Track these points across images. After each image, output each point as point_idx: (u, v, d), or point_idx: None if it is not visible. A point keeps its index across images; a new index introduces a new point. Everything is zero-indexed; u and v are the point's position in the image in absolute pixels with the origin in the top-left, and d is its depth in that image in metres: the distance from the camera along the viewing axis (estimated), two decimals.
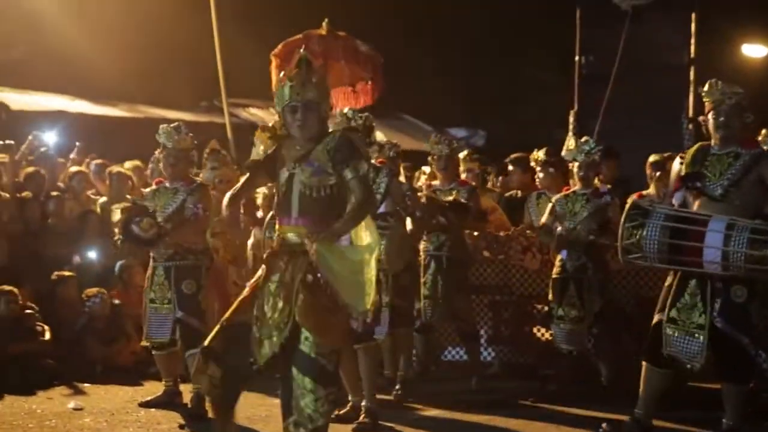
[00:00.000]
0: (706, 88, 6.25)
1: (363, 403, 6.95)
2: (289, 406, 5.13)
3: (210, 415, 5.77)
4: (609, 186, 8.16)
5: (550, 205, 7.95)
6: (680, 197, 6.26)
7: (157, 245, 7.22)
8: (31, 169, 9.93)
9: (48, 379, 8.17)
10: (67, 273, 9.06)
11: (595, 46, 12.69)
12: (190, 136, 7.49)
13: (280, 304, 5.09)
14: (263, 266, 5.28)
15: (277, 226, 5.37)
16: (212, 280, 7.61)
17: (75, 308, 8.93)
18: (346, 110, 7.35)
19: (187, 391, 7.32)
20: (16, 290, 8.48)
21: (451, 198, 8.15)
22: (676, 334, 6.08)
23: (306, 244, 5.04)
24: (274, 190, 5.66)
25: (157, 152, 7.87)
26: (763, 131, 8.10)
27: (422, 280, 8.19)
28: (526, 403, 7.76)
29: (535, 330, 8.99)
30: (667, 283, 6.28)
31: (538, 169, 8.74)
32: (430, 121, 19.25)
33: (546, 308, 8.28)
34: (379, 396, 7.14)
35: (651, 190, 8.51)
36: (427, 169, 9.64)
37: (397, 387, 7.88)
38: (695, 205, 6.15)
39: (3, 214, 9.33)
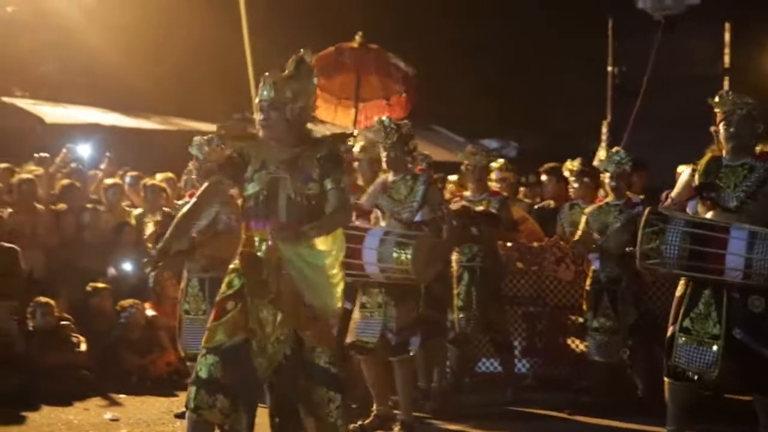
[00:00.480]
0: (717, 99, 6.22)
1: (399, 417, 6.95)
2: (279, 413, 5.12)
3: None
4: (641, 197, 8.13)
5: (583, 216, 7.93)
6: (694, 207, 6.25)
7: (190, 257, 7.26)
8: (66, 181, 10.01)
9: (84, 390, 8.20)
10: (101, 285, 9.10)
11: (627, 57, 12.67)
12: (222, 147, 7.52)
13: (279, 316, 5.04)
14: (236, 274, 5.17)
15: (247, 231, 5.21)
16: None
17: (110, 320, 8.98)
18: (383, 118, 7.35)
19: None
20: (52, 302, 8.53)
21: (482, 208, 8.15)
22: (687, 344, 6.02)
23: (270, 241, 5.00)
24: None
25: (190, 164, 7.91)
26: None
27: (455, 291, 8.17)
28: (561, 415, 7.73)
29: (569, 341, 8.94)
30: (678, 293, 6.21)
31: (573, 179, 8.72)
32: (462, 133, 19.27)
33: (580, 319, 8.25)
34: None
35: None
36: (452, 178, 9.66)
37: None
38: (708, 216, 6.12)
39: (39, 226, 9.40)
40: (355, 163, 7.89)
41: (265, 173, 5.15)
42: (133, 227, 9.69)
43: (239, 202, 5.41)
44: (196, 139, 7.52)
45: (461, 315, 8.14)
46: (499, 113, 19.78)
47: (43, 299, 8.50)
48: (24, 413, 7.53)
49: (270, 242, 5.01)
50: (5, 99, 16.46)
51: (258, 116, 5.23)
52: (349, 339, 7.01)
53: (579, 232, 7.93)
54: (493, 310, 8.23)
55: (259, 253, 5.12)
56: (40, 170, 10.13)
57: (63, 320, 8.60)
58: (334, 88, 10.22)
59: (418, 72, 10.11)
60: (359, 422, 7.01)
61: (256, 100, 5.26)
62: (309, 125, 5.30)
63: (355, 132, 9.27)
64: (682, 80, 12.28)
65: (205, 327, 7.24)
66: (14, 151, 11.95)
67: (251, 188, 5.18)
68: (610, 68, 12.71)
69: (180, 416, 7.45)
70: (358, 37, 9.86)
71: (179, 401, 8.04)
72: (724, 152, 6.18)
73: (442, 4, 19.16)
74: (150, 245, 7.57)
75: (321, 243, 5.15)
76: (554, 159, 9.95)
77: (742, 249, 5.82)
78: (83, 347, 8.53)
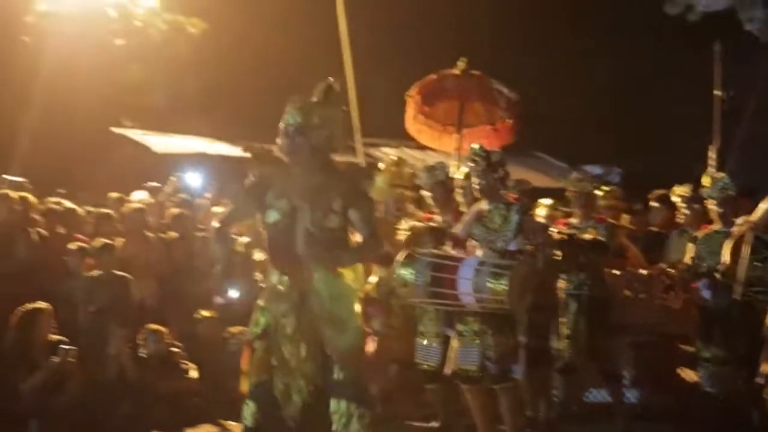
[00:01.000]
0: None
1: None
2: None
3: None
4: None
5: (690, 245, 7.80)
6: None
7: None
8: (176, 210, 10.21)
9: (195, 417, 8.31)
10: (208, 313, 9.24)
11: (735, 80, 12.42)
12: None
13: (303, 350, 5.00)
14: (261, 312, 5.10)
15: (271, 265, 5.16)
16: None
17: (218, 347, 9.09)
18: (473, 146, 7.35)
19: None
20: (163, 329, 8.69)
21: (589, 236, 8.07)
22: None
23: (304, 269, 4.91)
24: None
25: None
26: None
27: (562, 320, 8.10)
28: None
29: (679, 371, 8.78)
30: None
31: (683, 205, 8.59)
32: (564, 158, 19.11)
33: (690, 349, 8.10)
34: None
35: None
36: (546, 202, 9.59)
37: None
38: None
39: (150, 255, 9.59)
40: (459, 191, 7.90)
41: (285, 202, 5.08)
42: (241, 255, 9.81)
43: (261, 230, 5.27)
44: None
45: (568, 344, 8.07)
46: (602, 138, 19.56)
47: (154, 327, 8.66)
48: None
49: (309, 274, 4.91)
50: (115, 129, 16.87)
51: (281, 141, 5.13)
52: (450, 368, 7.00)
53: (687, 260, 7.79)
54: (601, 339, 8.13)
55: (280, 287, 5.07)
56: (150, 200, 10.35)
57: (173, 347, 8.75)
58: (437, 114, 10.28)
59: (520, 97, 10.10)
60: None
61: (281, 125, 5.16)
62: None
63: (456, 159, 9.29)
64: None
65: None
66: (125, 180, 12.23)
67: (271, 216, 5.11)
68: (717, 92, 12.47)
69: None
70: (461, 63, 9.87)
71: None
72: None
73: (542, 29, 19.09)
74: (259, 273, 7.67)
75: (347, 275, 5.11)
76: (659, 185, 9.81)
77: None
78: (194, 374, 8.66)
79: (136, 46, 17.44)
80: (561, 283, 8.13)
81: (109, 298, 8.76)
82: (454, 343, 7.06)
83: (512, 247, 7.02)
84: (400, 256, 7.06)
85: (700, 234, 7.80)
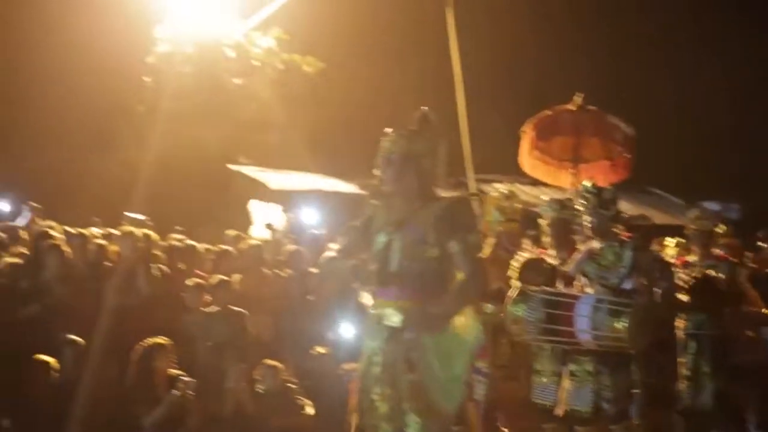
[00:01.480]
0: None
1: None
2: None
3: None
4: None
5: None
6: None
7: None
8: (292, 247, 10.33)
9: None
10: (323, 349, 9.29)
11: None
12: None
13: (388, 392, 4.81)
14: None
15: (372, 299, 5.00)
16: None
17: (333, 383, 9.13)
18: (584, 183, 7.27)
19: None
20: (279, 365, 8.77)
21: (709, 274, 7.91)
22: None
23: (405, 329, 4.70)
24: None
25: None
26: None
27: (681, 360, 7.94)
28: None
29: None
30: None
31: None
32: (679, 194, 18.80)
33: None
34: None
35: None
36: (670, 240, 9.42)
37: None
38: None
39: (266, 290, 9.71)
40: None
41: (383, 235, 4.94)
42: (355, 291, 9.87)
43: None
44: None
45: (688, 385, 7.90)
46: (718, 174, 19.21)
47: (271, 362, 8.73)
48: None
49: (410, 335, 4.72)
50: (232, 166, 17.20)
51: (381, 171, 5.00)
52: (561, 408, 6.91)
53: None
54: (722, 380, 7.94)
55: (374, 324, 4.94)
56: (267, 236, 10.49)
57: (290, 383, 8.82)
58: (552, 150, 10.23)
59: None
60: None
61: (381, 154, 5.03)
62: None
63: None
64: None
65: None
66: (241, 217, 12.45)
67: (374, 251, 4.97)
68: None
69: None
70: (577, 99, 9.82)
71: None
72: None
73: (656, 63, 18.87)
74: None
75: (461, 324, 4.87)
76: None
77: None
78: (309, 410, 8.70)
79: (252, 84, 17.78)
80: (680, 323, 7.97)
81: (227, 334, 8.87)
82: (566, 384, 6.97)
83: (627, 285, 6.92)
84: (512, 293, 7.01)
85: None
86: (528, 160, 10.52)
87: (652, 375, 7.30)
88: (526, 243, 8.66)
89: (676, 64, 19.13)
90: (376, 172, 5.04)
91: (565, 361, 7.12)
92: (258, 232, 11.11)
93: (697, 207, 9.26)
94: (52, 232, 9.29)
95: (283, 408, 8.58)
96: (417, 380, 4.75)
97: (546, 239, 7.86)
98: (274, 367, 8.68)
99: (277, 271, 10.00)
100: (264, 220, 11.57)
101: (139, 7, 17.33)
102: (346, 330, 9.66)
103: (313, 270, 10.02)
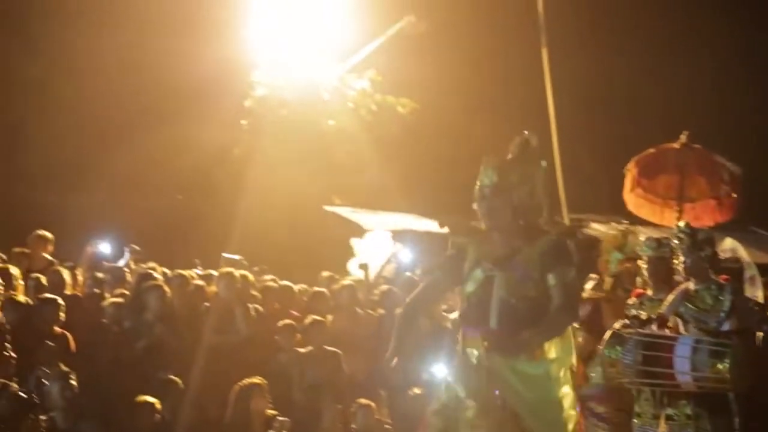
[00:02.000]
0: None
1: None
2: None
3: None
4: None
5: None
6: None
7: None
8: (385, 287, 10.37)
9: None
10: (417, 390, 9.28)
11: None
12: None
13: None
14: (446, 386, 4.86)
15: (463, 338, 4.81)
16: None
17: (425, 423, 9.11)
18: (679, 223, 7.18)
19: None
20: (372, 404, 8.79)
21: None
22: None
23: (481, 354, 4.53)
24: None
25: None
26: None
27: None
28: None
29: None
30: None
31: None
32: None
33: None
34: None
35: None
36: None
37: None
38: None
39: (360, 330, 9.76)
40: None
41: (480, 271, 4.75)
42: (450, 331, 9.85)
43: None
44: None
45: None
46: None
47: (364, 401, 8.75)
48: None
49: (481, 350, 4.56)
50: (327, 207, 17.36)
51: (477, 205, 4.80)
52: None
53: None
54: None
55: (468, 365, 4.74)
56: (360, 277, 10.56)
57: (383, 423, 8.83)
58: (657, 188, 10.15)
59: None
60: None
61: (476, 187, 4.82)
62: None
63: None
64: None
65: None
66: (337, 257, 12.54)
67: (467, 288, 4.78)
68: None
69: None
70: (683, 137, 9.72)
71: None
72: None
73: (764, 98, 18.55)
74: None
75: (544, 350, 4.70)
76: None
77: None
78: None
79: (347, 126, 17.96)
80: None
81: (321, 374, 8.95)
82: (662, 428, 6.86)
83: (725, 327, 6.80)
84: (606, 335, 6.92)
85: None
86: (631, 198, 10.42)
87: (751, 418, 7.12)
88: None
89: None
90: (474, 207, 4.90)
91: (663, 404, 7.02)
92: (353, 273, 11.17)
93: None
94: (154, 273, 9.51)
95: None
96: (509, 408, 4.64)
97: (644, 278, 7.78)
98: (368, 406, 8.71)
99: (370, 311, 10.05)
100: (359, 260, 11.61)
101: (237, 52, 17.68)
102: (440, 370, 9.65)
103: None
